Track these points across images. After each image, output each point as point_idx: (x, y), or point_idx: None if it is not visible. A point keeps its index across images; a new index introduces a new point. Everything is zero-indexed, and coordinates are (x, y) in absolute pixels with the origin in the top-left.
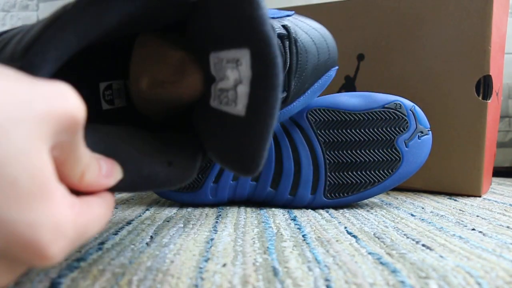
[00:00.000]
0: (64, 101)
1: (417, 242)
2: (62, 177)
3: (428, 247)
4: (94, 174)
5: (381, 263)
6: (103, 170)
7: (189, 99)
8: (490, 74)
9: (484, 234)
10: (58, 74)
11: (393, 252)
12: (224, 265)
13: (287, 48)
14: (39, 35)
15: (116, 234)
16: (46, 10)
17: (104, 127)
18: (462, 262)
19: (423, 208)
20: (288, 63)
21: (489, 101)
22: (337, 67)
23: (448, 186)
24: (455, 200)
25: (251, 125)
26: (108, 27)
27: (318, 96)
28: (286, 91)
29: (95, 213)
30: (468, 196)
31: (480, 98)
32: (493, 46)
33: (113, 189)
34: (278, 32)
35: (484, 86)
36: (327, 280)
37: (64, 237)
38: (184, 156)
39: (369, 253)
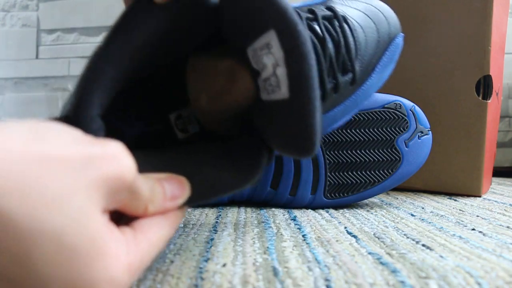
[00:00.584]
0: (116, 165)
1: (417, 242)
2: (127, 213)
3: (428, 247)
4: (159, 202)
5: (381, 263)
6: (168, 194)
7: (246, 101)
8: (490, 74)
9: (484, 234)
10: (129, 113)
11: (393, 252)
12: (224, 265)
13: (338, 27)
14: (81, 77)
15: None
16: (46, 10)
17: (167, 148)
18: (462, 262)
19: (423, 208)
20: (343, 42)
21: (489, 101)
22: (402, 34)
23: (448, 186)
24: (455, 200)
25: (296, 104)
26: (140, 49)
27: (392, 68)
28: (350, 71)
29: (154, 238)
30: (468, 196)
31: (480, 98)
32: (493, 46)
33: (183, 205)
34: (323, 14)
35: (484, 86)
36: (327, 280)
37: (119, 286)
38: (248, 156)
39: (369, 253)
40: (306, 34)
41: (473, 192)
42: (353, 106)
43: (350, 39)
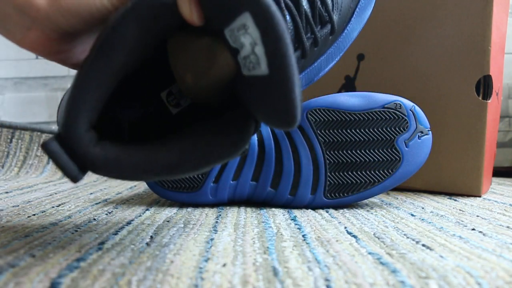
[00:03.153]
0: None
1: (417, 242)
2: None
3: (428, 247)
4: None
5: (381, 263)
6: None
7: (228, 77)
8: (490, 74)
9: (484, 234)
10: (124, 97)
11: (393, 252)
12: (224, 265)
13: None
14: (68, 99)
15: (116, 234)
16: None
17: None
18: (462, 262)
19: (423, 208)
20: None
21: (489, 101)
22: None
23: (448, 186)
24: (455, 200)
25: (276, 80)
26: (123, 67)
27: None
28: (328, 22)
29: None
30: (468, 196)
31: (480, 98)
32: (493, 46)
33: (173, 169)
34: None
35: (484, 86)
36: (327, 280)
37: None
38: (237, 128)
39: (369, 253)
40: (279, 14)
41: (473, 192)
42: (337, 53)
43: None
